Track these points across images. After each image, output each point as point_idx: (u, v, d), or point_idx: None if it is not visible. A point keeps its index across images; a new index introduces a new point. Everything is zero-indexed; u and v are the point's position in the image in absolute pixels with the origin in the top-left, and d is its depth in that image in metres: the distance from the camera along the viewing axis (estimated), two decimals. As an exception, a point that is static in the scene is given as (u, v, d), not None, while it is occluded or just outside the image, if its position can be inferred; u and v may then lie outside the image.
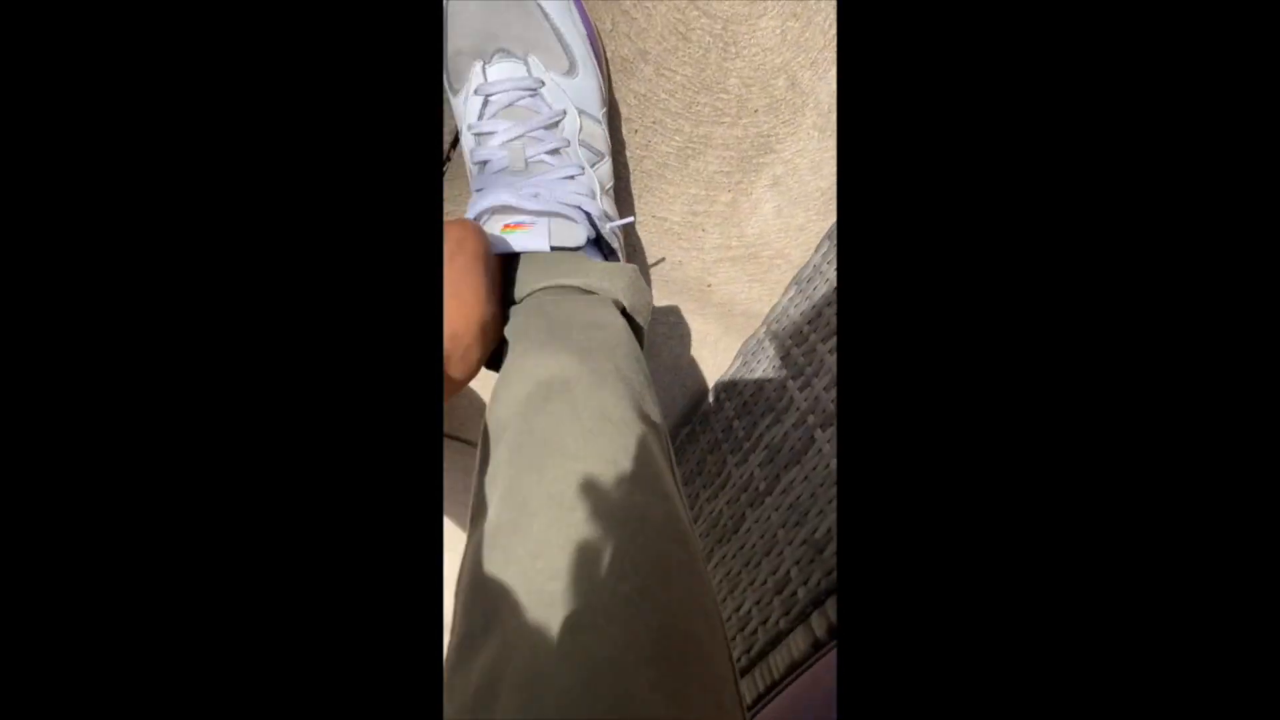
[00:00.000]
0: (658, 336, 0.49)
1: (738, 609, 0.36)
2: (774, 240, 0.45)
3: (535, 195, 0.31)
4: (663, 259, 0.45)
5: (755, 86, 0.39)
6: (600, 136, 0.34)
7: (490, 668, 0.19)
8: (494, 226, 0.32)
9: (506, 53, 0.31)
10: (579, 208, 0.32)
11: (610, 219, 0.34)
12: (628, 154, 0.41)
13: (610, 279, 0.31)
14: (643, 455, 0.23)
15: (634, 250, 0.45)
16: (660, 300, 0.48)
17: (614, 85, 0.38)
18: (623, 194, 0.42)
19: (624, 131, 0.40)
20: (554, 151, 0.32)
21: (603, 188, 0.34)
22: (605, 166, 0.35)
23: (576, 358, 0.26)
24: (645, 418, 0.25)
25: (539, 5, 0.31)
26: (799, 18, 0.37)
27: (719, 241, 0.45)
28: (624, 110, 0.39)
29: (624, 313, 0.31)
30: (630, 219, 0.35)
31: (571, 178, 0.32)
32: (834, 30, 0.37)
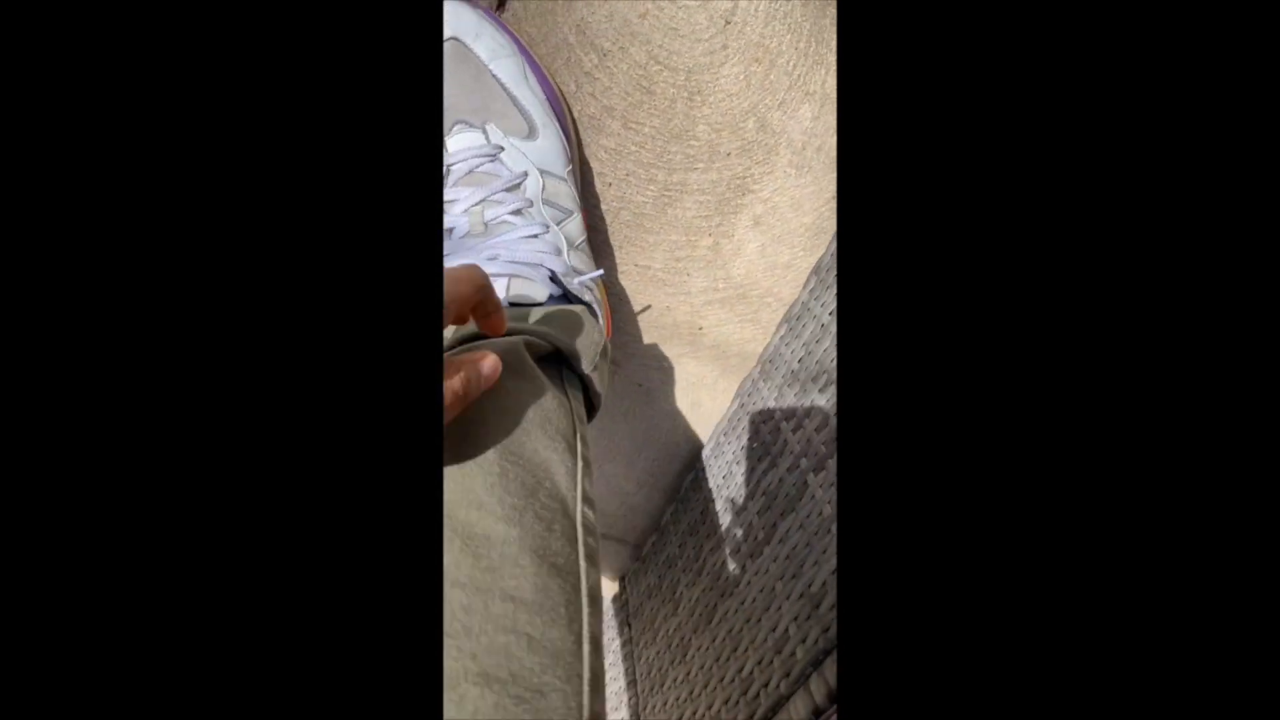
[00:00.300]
0: (653, 383, 0.49)
1: (740, 670, 0.34)
2: (761, 279, 0.45)
3: (494, 257, 0.32)
4: (649, 306, 0.45)
5: (725, 131, 0.39)
6: (567, 194, 0.35)
7: None
8: None
9: (465, 124, 0.32)
10: (540, 265, 0.32)
11: (579, 273, 0.34)
12: (604, 207, 0.41)
13: (546, 322, 0.30)
14: (492, 493, 0.22)
15: (619, 299, 0.45)
16: (652, 348, 0.47)
17: (584, 142, 0.39)
18: (603, 246, 0.42)
19: (598, 185, 0.40)
20: (517, 212, 0.32)
21: (571, 243, 0.35)
22: (574, 222, 0.35)
23: None
24: (513, 455, 0.23)
25: (492, 75, 0.32)
26: (760, 62, 0.37)
27: (705, 285, 0.45)
28: (596, 165, 0.39)
29: (560, 354, 0.30)
30: (598, 272, 0.35)
31: (536, 236, 0.33)
32: (798, 72, 0.38)
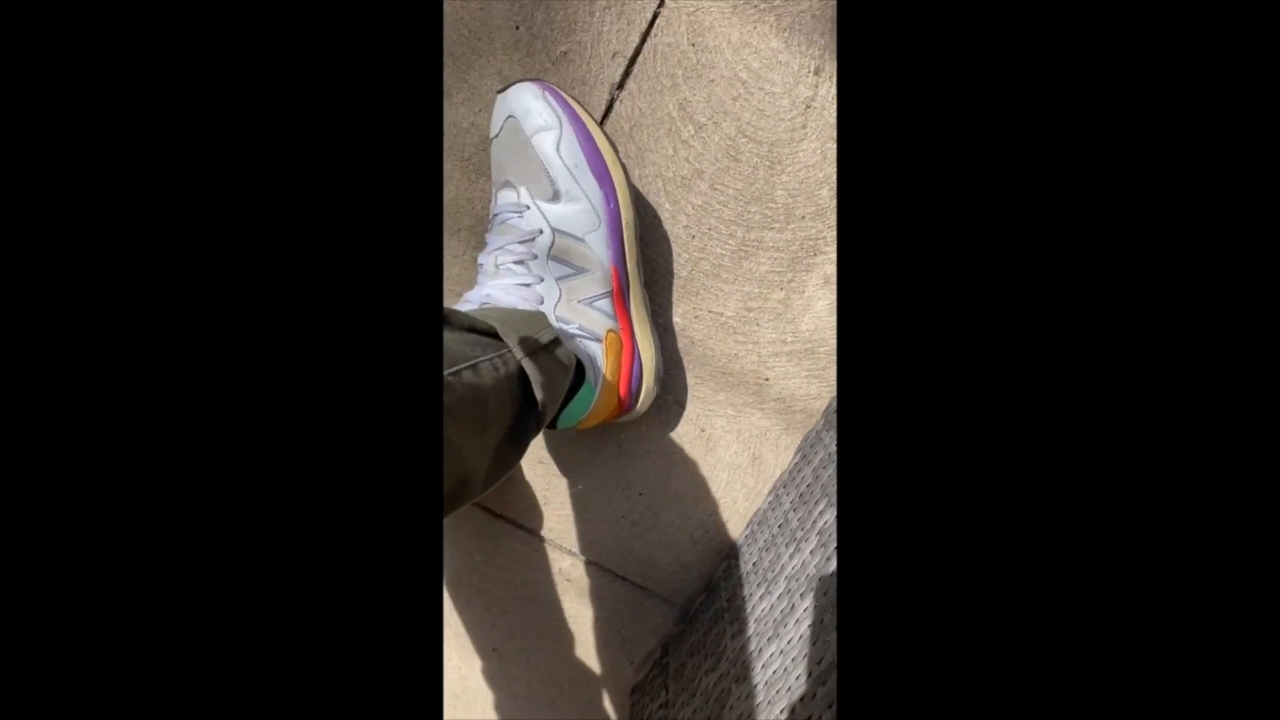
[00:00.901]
0: (716, 430, 0.50)
1: (781, 710, 0.32)
2: (829, 337, 0.47)
3: (488, 296, 0.38)
4: (718, 352, 0.48)
5: (801, 196, 0.44)
6: (581, 254, 0.39)
7: None
8: None
9: (509, 184, 0.40)
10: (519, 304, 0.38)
11: (566, 323, 0.39)
12: (685, 257, 0.46)
13: (488, 313, 0.35)
14: None
15: (690, 342, 0.48)
16: (718, 394, 0.49)
17: (674, 199, 0.44)
18: (682, 291, 0.47)
19: (683, 237, 0.45)
20: (519, 262, 0.38)
21: (573, 297, 0.40)
22: (584, 279, 0.40)
23: None
24: None
25: (534, 147, 0.39)
26: (835, 140, 0.42)
27: (774, 336, 0.47)
28: (683, 220, 0.45)
29: (493, 333, 0.33)
30: (573, 324, 0.40)
31: (527, 285, 0.38)
32: (870, 149, 0.42)
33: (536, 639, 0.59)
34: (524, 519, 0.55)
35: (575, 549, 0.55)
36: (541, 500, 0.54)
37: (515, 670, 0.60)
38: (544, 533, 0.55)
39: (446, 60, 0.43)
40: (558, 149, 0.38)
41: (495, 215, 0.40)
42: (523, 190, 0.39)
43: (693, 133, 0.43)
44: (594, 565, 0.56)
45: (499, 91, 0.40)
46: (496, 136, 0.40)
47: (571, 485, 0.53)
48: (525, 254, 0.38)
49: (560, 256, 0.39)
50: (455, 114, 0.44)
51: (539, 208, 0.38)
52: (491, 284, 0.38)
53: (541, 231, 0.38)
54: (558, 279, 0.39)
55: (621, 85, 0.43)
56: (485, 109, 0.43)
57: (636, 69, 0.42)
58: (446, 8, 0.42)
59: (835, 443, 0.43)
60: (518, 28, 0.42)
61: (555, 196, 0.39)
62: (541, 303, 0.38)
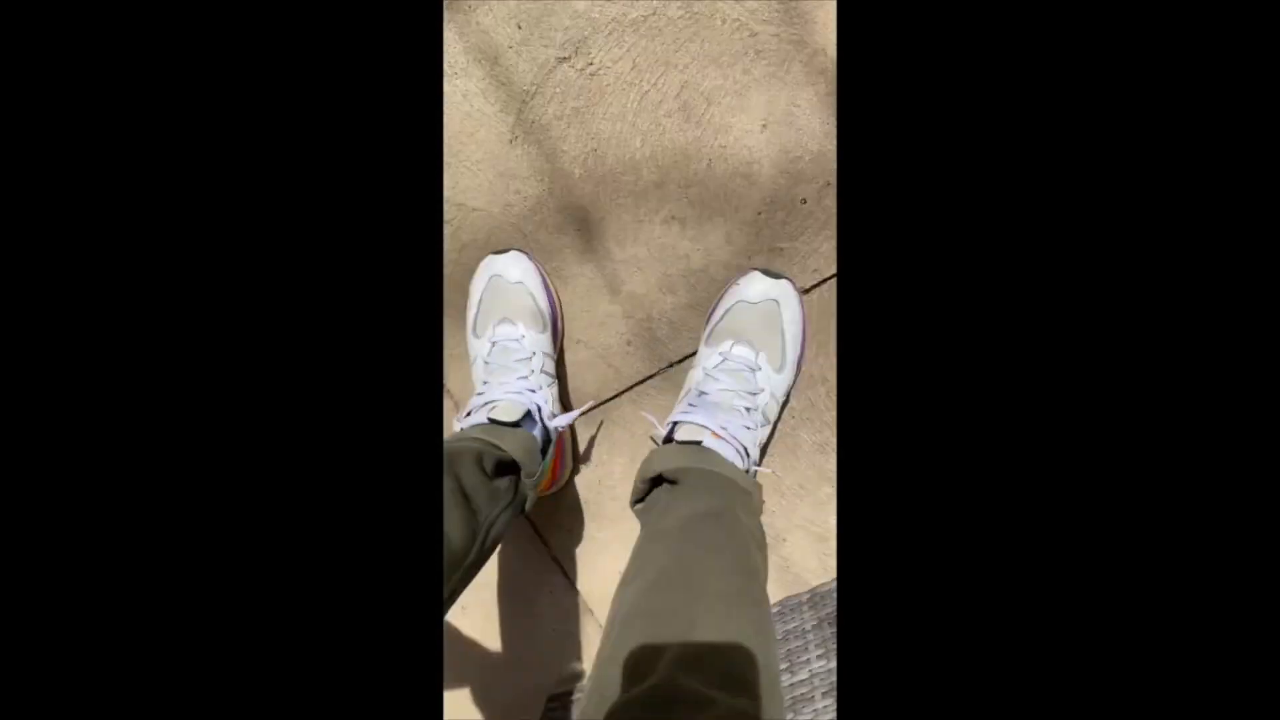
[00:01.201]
0: (726, 554, 0.61)
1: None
2: (846, 538, 0.58)
3: (724, 427, 0.48)
4: (764, 502, 0.59)
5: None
6: (774, 412, 0.51)
7: None
8: (690, 432, 0.48)
9: (749, 344, 0.50)
10: (744, 444, 0.48)
11: (755, 464, 0.50)
12: (780, 429, 0.57)
13: (747, 483, 0.47)
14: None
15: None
16: (743, 530, 0.60)
17: (797, 385, 0.55)
18: (767, 449, 0.58)
19: (786, 415, 0.56)
20: (748, 409, 0.49)
21: (759, 442, 0.51)
22: (767, 430, 0.51)
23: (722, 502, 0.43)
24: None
25: (783, 331, 0.50)
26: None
27: (807, 515, 0.58)
28: (794, 403, 0.56)
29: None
30: (767, 469, 0.51)
31: (749, 429, 0.49)
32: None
33: (496, 622, 0.70)
34: (543, 528, 0.66)
35: (570, 577, 0.66)
36: (566, 528, 0.65)
37: (472, 635, 0.71)
38: (554, 551, 0.66)
39: (696, 203, 0.53)
40: (798, 341, 0.52)
41: (725, 359, 0.50)
42: (761, 355, 0.50)
43: (815, 353, 0.54)
44: (579, 596, 0.66)
45: (764, 272, 0.51)
46: (754, 304, 0.50)
47: (594, 532, 0.64)
48: (751, 404, 0.50)
49: (764, 411, 0.51)
50: (680, 242, 0.54)
51: (768, 373, 0.50)
52: (725, 416, 0.49)
53: (763, 390, 0.50)
54: (760, 426, 0.51)
55: (807, 291, 0.54)
56: (702, 248, 0.54)
57: (824, 286, 0.53)
58: (719, 170, 0.52)
59: (811, 622, 0.54)
60: (760, 214, 0.53)
61: (781, 368, 0.51)
62: (755, 444, 0.50)
